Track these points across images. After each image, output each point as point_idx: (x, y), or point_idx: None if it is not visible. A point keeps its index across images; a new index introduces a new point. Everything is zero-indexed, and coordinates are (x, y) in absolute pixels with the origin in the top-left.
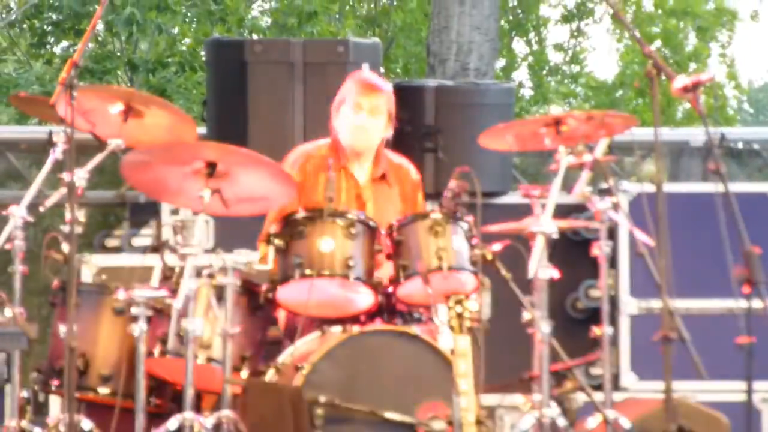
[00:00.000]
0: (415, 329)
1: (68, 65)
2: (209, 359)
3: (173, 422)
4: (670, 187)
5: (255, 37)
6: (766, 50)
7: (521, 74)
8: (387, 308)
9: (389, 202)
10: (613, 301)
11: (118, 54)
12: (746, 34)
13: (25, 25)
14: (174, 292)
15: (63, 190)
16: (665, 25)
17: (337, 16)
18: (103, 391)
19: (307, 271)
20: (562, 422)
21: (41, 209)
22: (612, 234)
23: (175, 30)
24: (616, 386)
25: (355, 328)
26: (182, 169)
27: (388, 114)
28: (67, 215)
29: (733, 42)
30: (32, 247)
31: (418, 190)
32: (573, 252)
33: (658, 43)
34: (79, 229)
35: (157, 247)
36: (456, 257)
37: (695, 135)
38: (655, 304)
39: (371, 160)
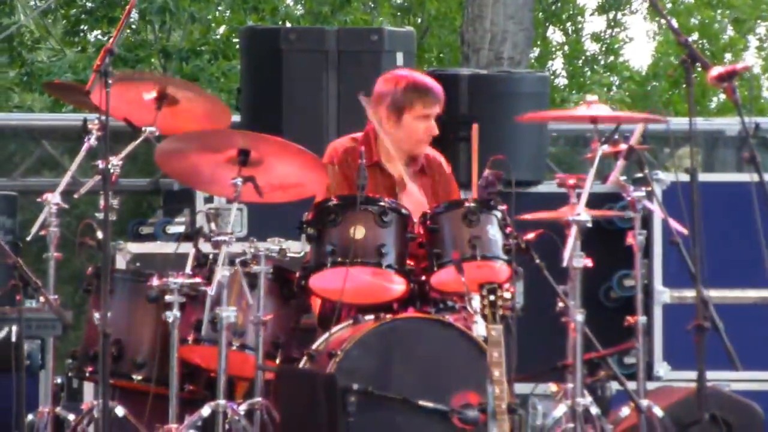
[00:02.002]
0: (448, 317)
1: (103, 53)
2: (243, 346)
3: (206, 409)
4: (704, 177)
5: (289, 25)
6: None
7: (557, 64)
8: (420, 296)
9: (426, 193)
10: (647, 291)
11: (152, 42)
12: None
13: (59, 14)
14: (207, 279)
15: (97, 178)
16: (702, 16)
17: (371, 4)
18: (137, 377)
19: (340, 259)
20: (594, 411)
21: (75, 196)
22: (646, 223)
23: (209, 18)
24: (649, 375)
25: (388, 316)
26: (216, 157)
27: None
28: (102, 202)
29: None
30: (67, 234)
31: (452, 181)
32: (607, 241)
33: (695, 35)
34: (113, 217)
35: (191, 235)
36: (490, 246)
37: (730, 125)
38: (689, 293)
39: (407, 157)
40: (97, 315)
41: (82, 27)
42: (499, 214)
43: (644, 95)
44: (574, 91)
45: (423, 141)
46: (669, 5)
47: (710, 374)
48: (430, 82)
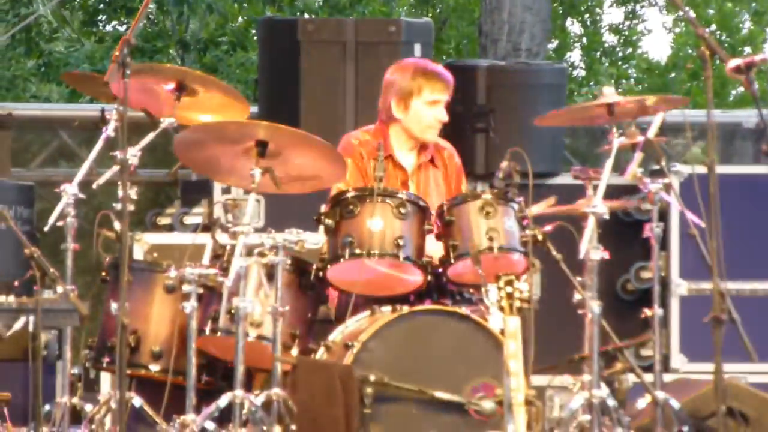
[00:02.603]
0: (465, 309)
1: (121, 43)
2: (260, 337)
3: (223, 399)
4: (721, 169)
5: (307, 16)
6: None
7: (575, 55)
8: (437, 288)
9: (436, 184)
10: (664, 283)
11: (170, 33)
12: None
13: (76, 4)
14: (225, 270)
15: (115, 168)
16: (721, 8)
17: None
18: (154, 368)
19: (357, 251)
20: (611, 403)
21: (93, 187)
22: (663, 215)
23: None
24: (665, 367)
25: (405, 308)
26: (234, 148)
27: None
28: (119, 193)
29: None
30: (84, 225)
31: (461, 174)
32: (624, 233)
33: (713, 26)
34: (131, 207)
35: (209, 226)
36: (507, 238)
37: (748, 117)
38: (706, 285)
39: (418, 147)
40: (114, 305)
41: (99, 17)
42: (516, 206)
43: (664, 86)
44: (591, 83)
45: (432, 127)
46: None
47: (727, 367)
48: (438, 68)
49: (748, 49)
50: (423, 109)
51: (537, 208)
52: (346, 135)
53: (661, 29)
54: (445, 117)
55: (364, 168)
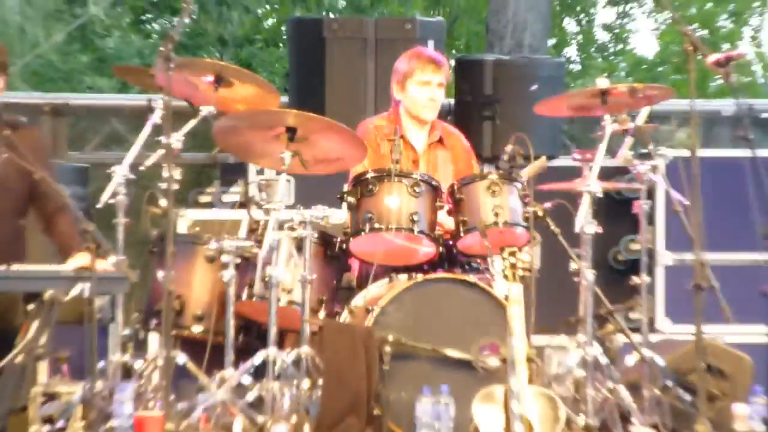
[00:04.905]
0: (473, 277)
1: (165, 40)
2: (290, 302)
3: (258, 357)
4: (702, 152)
5: (332, 16)
6: None
7: (571, 51)
8: (448, 258)
9: (444, 163)
10: (651, 254)
11: (209, 31)
12: None
13: (126, 5)
14: (259, 242)
15: (161, 152)
16: (702, 8)
17: None
18: (197, 329)
19: (377, 225)
20: (603, 360)
21: (141, 168)
22: (650, 194)
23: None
24: (652, 329)
25: (420, 276)
26: (266, 134)
27: (447, 84)
28: (165, 174)
29: (764, 26)
30: (133, 202)
31: (470, 156)
32: (615, 210)
33: (695, 25)
34: (175, 187)
35: (244, 203)
36: (511, 214)
37: (726, 106)
38: (688, 256)
39: (428, 128)
40: (160, 274)
41: (147, 16)
42: (519, 185)
43: (651, 79)
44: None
45: (426, 106)
46: None
47: (706, 328)
48: (430, 52)
49: (726, 46)
50: (416, 89)
51: (530, 169)
52: (364, 121)
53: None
54: (437, 97)
55: (375, 149)
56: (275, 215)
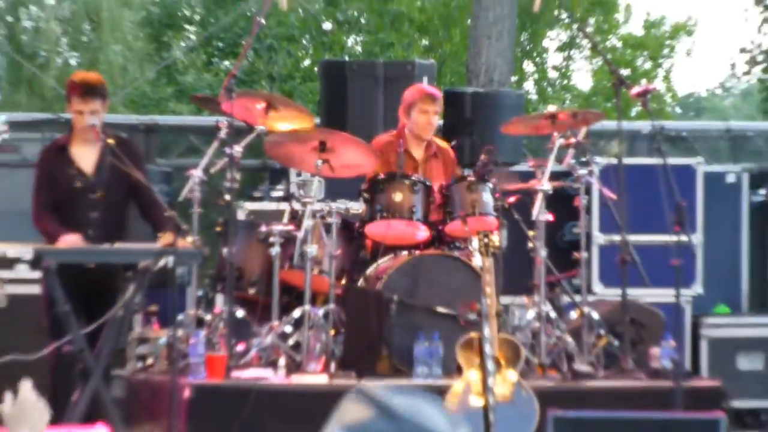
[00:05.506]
0: (456, 254)
1: (229, 76)
2: (321, 271)
3: (297, 312)
4: (627, 161)
5: (352, 59)
6: (692, 74)
7: (529, 85)
8: (438, 239)
9: (437, 171)
10: (588, 236)
11: (261, 70)
12: (683, 60)
13: (200, 50)
14: (298, 227)
15: (225, 159)
16: (626, 54)
17: (407, 44)
18: (252, 291)
19: (385, 215)
20: (553, 315)
21: (211, 172)
22: (588, 191)
23: (299, 53)
24: (589, 291)
25: (417, 252)
26: (304, 147)
27: (440, 111)
28: (228, 176)
29: (673, 68)
30: (205, 197)
31: (455, 164)
32: (562, 203)
33: (621, 66)
34: (236, 185)
35: (287, 198)
36: (484, 206)
37: (644, 126)
38: (616, 237)
39: (425, 144)
40: (225, 250)
41: (215, 59)
42: (491, 185)
43: (588, 107)
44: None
45: (426, 129)
46: (603, 46)
47: (630, 291)
48: (430, 89)
49: (644, 81)
50: (418, 115)
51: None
52: (376, 137)
53: (587, 68)
54: (434, 122)
55: (385, 158)
56: (310, 207)
